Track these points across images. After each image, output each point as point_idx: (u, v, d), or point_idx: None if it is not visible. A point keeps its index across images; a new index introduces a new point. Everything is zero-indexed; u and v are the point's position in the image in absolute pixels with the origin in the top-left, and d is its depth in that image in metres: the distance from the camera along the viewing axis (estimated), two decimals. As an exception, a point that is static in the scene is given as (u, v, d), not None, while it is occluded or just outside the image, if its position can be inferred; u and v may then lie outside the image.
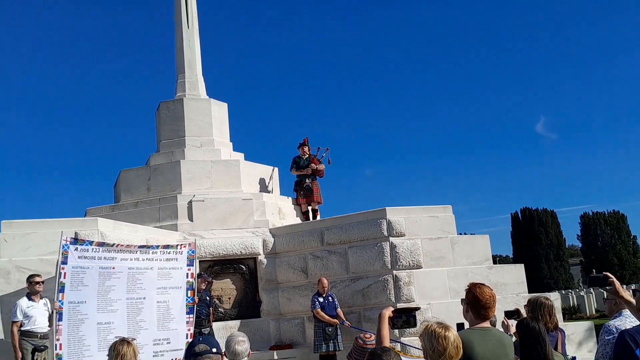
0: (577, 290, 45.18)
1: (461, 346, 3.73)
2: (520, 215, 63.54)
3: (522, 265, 13.81)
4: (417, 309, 4.33)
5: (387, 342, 4.02)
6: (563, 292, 40.40)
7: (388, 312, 4.17)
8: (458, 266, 12.39)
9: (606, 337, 5.59)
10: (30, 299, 9.28)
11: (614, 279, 5.23)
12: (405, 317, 4.19)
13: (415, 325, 4.22)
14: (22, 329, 9.11)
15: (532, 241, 60.44)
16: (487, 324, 4.37)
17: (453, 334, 3.71)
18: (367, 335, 4.83)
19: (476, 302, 4.35)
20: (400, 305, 11.71)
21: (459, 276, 12.13)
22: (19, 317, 9.12)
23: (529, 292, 12.48)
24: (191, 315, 10.76)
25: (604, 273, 5.20)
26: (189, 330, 10.62)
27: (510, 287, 12.58)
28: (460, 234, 13.35)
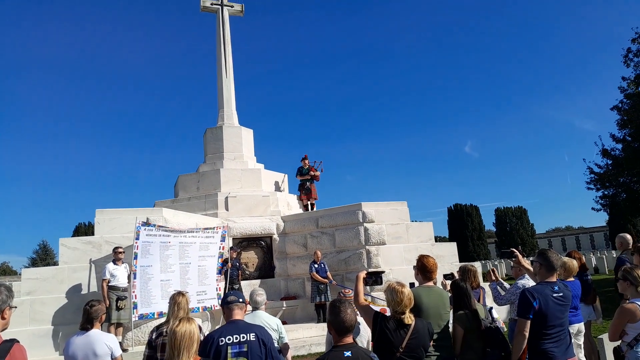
0: (493, 260, 45.32)
1: (413, 298, 3.77)
2: (453, 208, 63.79)
3: (455, 243, 13.87)
4: (383, 272, 4.36)
5: (362, 295, 4.05)
6: (483, 262, 40.46)
7: (362, 274, 4.20)
8: (411, 243, 12.42)
9: (515, 287, 5.74)
10: (114, 263, 9.28)
11: (518, 253, 5.29)
12: (374, 278, 4.22)
13: (381, 283, 4.26)
14: (109, 284, 9.11)
15: (461, 226, 60.75)
16: (431, 284, 4.41)
17: (407, 289, 3.75)
18: (347, 291, 4.88)
19: (424, 268, 4.39)
20: (371, 270, 11.71)
21: (411, 250, 12.17)
22: (107, 275, 9.12)
23: (460, 262, 12.51)
24: (220, 275, 10.90)
25: (511, 249, 5.29)
26: (218, 285, 10.79)
27: (447, 258, 12.62)
28: (413, 221, 13.34)
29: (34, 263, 62.17)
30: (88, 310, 4.16)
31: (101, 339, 4.09)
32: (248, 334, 3.49)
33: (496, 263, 34.69)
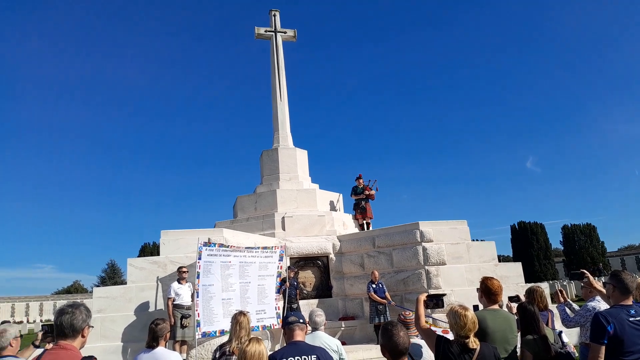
0: (561, 280, 42.83)
1: (477, 322, 3.63)
2: (517, 226, 61.12)
3: (520, 263, 13.22)
4: (444, 294, 4.25)
5: (423, 318, 3.95)
6: (550, 282, 38.30)
7: (423, 297, 4.11)
8: (472, 263, 12.00)
9: (585, 309, 5.40)
10: (179, 282, 9.60)
11: (588, 274, 4.99)
12: (435, 301, 4.12)
13: (442, 306, 4.14)
14: (174, 302, 9.42)
15: (526, 245, 58.01)
16: (496, 307, 4.24)
17: (471, 313, 3.62)
18: (407, 313, 4.76)
19: (488, 290, 4.23)
20: (431, 292, 11.42)
21: (473, 270, 11.76)
22: (172, 294, 9.44)
23: (526, 283, 11.93)
24: (278, 294, 10.97)
25: (581, 270, 4.99)
26: (277, 304, 10.88)
27: (512, 279, 12.06)
28: (474, 240, 12.90)
29: (102, 282, 65.54)
30: (153, 329, 4.31)
31: (166, 356, 4.22)
32: (310, 356, 3.50)
33: (565, 283, 32.74)
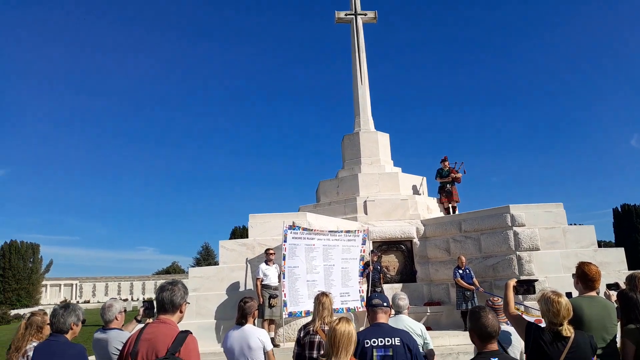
0: (676, 270, 38.68)
1: (571, 309, 3.43)
2: (620, 209, 56.01)
3: (622, 249, 12.12)
4: (536, 280, 4.05)
5: (512, 304, 3.80)
6: (662, 271, 34.69)
7: (512, 282, 3.95)
8: (569, 249, 11.25)
9: None
10: (266, 264, 10.02)
11: None
12: (526, 287, 3.95)
13: (534, 292, 3.96)
14: (262, 283, 9.86)
15: (631, 229, 53.00)
16: (593, 294, 3.98)
17: (564, 299, 3.43)
18: (495, 299, 4.59)
19: (584, 276, 3.98)
20: (522, 278, 10.89)
21: (570, 256, 11.03)
22: (261, 275, 9.88)
23: (629, 270, 10.97)
24: (361, 278, 11.07)
25: None
26: (360, 287, 10.96)
27: (612, 266, 11.13)
28: (571, 224, 12.06)
29: (197, 263, 70.19)
30: (242, 307, 4.56)
31: (255, 333, 4.46)
32: (393, 338, 3.52)
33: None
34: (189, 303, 3.35)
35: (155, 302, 3.33)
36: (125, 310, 4.84)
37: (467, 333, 10.66)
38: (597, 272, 3.97)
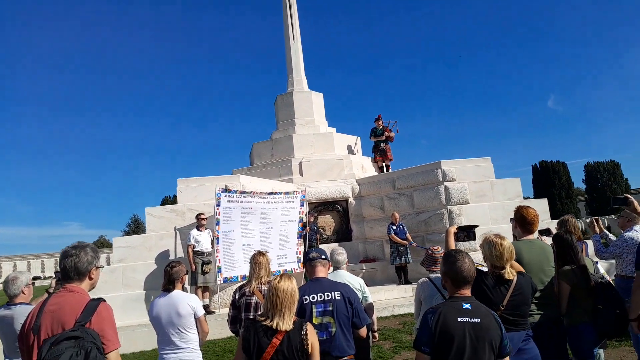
0: (583, 219, 42.51)
1: (514, 251, 3.35)
2: (539, 166, 60.09)
3: (546, 199, 12.92)
4: (476, 226, 3.95)
5: (454, 250, 3.70)
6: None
7: (453, 229, 3.83)
8: (497, 201, 11.69)
9: (622, 240, 5.18)
10: (198, 229, 9.55)
11: (633, 199, 4.64)
12: (466, 232, 3.84)
13: (474, 239, 3.87)
14: (194, 249, 9.40)
15: (548, 184, 57.22)
16: (531, 237, 3.96)
17: (507, 242, 3.34)
18: (435, 247, 4.48)
19: (523, 220, 3.93)
20: (462, 225, 11.20)
21: (497, 208, 11.49)
22: (192, 241, 9.41)
23: (551, 220, 11.62)
24: (300, 239, 10.89)
25: (625, 195, 4.64)
26: (298, 249, 10.80)
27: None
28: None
29: (127, 235, 67.48)
30: (169, 272, 4.16)
31: (184, 299, 4.08)
32: (333, 292, 3.29)
33: (587, 221, 32.36)
34: (101, 267, 2.89)
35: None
36: (33, 284, 4.28)
37: (401, 287, 10.84)
38: (535, 215, 3.94)
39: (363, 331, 3.36)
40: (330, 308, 3.21)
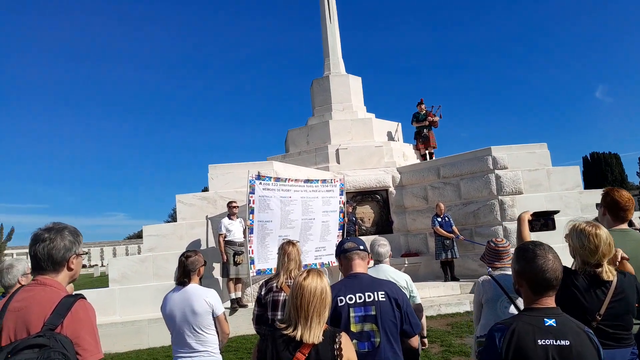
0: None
1: (613, 244, 2.58)
2: (590, 158, 57.03)
3: (599, 190, 11.65)
4: (556, 212, 3.16)
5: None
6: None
7: (527, 216, 3.07)
8: (553, 191, 10.65)
9: None
10: (229, 218, 9.09)
11: None
12: (543, 220, 3.08)
13: (553, 228, 3.09)
14: (226, 239, 8.94)
15: (599, 177, 54.17)
16: (624, 226, 3.15)
17: (604, 231, 2.56)
18: (499, 239, 3.73)
19: (615, 205, 3.13)
20: (506, 224, 10.29)
21: (554, 199, 10.45)
22: (223, 230, 8.95)
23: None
24: (341, 231, 10.23)
25: None
26: (338, 241, 10.11)
27: (600, 208, 10.64)
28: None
29: (168, 226, 68.73)
30: (184, 262, 3.61)
31: (200, 294, 3.52)
32: (376, 292, 2.59)
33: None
34: (84, 253, 2.32)
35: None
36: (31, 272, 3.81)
37: (448, 284, 9.97)
38: (629, 200, 3.14)
39: (415, 341, 2.65)
40: (373, 312, 2.53)
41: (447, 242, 10.45)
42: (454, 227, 10.60)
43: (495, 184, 10.55)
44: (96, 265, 63.33)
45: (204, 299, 3.50)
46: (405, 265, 11.09)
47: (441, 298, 9.41)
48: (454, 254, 10.42)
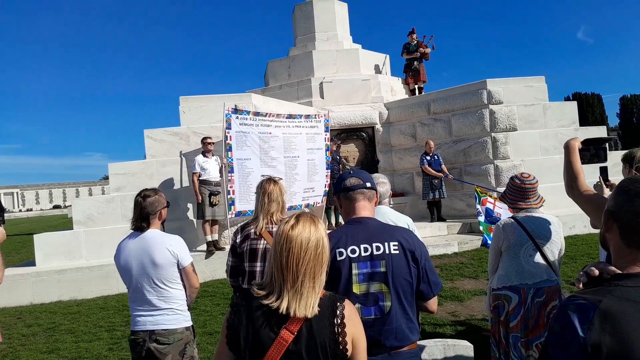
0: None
1: None
2: (572, 98, 56.96)
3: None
4: (610, 139, 2.55)
5: (582, 176, 2.36)
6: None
7: (577, 143, 2.45)
8: (549, 128, 10.15)
9: None
10: (204, 155, 8.36)
11: None
12: (594, 150, 2.47)
13: (605, 159, 2.49)
14: (200, 178, 8.26)
15: (580, 117, 54.26)
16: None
17: None
18: (525, 175, 3.11)
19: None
20: (497, 162, 9.82)
21: (549, 137, 9.99)
22: (197, 169, 8.26)
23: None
24: (328, 170, 9.61)
25: None
26: (326, 181, 9.52)
27: (596, 146, 10.22)
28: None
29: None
30: (141, 203, 2.94)
31: (162, 241, 2.89)
32: (386, 243, 1.96)
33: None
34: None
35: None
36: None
37: (434, 224, 9.45)
38: None
39: (433, 304, 2.06)
40: (382, 269, 1.92)
41: (436, 181, 9.98)
42: (443, 166, 10.10)
43: (489, 120, 9.96)
44: (70, 205, 62.40)
45: (166, 247, 2.86)
46: (391, 205, 10.50)
47: (427, 239, 9.04)
48: (442, 193, 9.98)
